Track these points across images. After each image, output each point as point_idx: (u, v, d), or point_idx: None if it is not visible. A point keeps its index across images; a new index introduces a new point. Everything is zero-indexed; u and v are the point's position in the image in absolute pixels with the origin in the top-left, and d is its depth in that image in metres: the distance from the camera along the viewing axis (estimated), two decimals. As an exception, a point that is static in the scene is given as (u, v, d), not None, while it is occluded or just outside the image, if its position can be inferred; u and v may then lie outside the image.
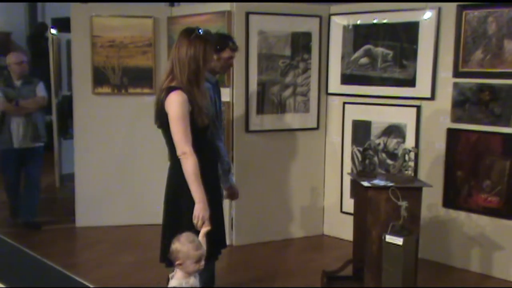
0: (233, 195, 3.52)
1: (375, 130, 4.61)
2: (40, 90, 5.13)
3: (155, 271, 3.51)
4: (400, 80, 4.44)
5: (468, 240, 4.19)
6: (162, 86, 2.83)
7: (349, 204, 4.63)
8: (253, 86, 4.63)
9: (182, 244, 2.42)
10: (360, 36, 4.64)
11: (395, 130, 4.51)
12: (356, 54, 4.68)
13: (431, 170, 4.31)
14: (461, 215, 4.21)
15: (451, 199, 4.24)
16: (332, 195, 4.96)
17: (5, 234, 3.05)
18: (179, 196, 2.82)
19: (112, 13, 5.06)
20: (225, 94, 4.20)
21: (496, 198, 4.01)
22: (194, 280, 2.47)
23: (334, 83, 4.84)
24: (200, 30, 2.82)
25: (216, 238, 2.89)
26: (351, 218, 3.96)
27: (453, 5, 4.12)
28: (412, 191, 3.34)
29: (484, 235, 4.11)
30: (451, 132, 4.20)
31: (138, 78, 5.09)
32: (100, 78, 5.07)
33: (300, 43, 4.75)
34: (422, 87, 4.31)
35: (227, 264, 4.26)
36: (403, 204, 3.11)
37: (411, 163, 3.62)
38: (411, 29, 4.34)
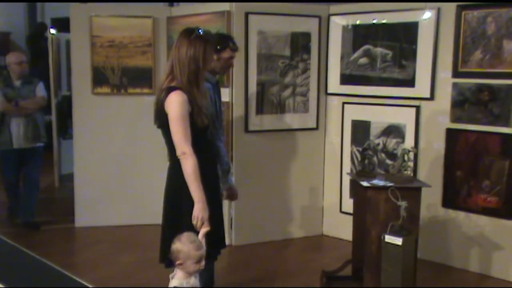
0: (232, 196, 3.52)
1: (375, 130, 4.62)
2: (40, 90, 5.12)
3: (155, 271, 3.51)
4: (399, 80, 4.44)
5: (467, 240, 4.20)
6: (162, 86, 2.83)
7: (348, 204, 4.64)
8: (253, 86, 4.63)
9: (183, 244, 2.43)
10: (359, 36, 4.64)
11: (394, 130, 4.51)
12: (356, 54, 4.68)
13: (430, 170, 4.32)
14: (460, 215, 4.21)
15: (450, 199, 4.24)
16: (332, 195, 4.96)
17: (4, 234, 3.05)
18: (179, 196, 2.82)
19: (111, 13, 5.06)
20: (225, 94, 4.20)
21: (495, 198, 4.02)
22: (194, 280, 2.47)
23: (334, 83, 4.85)
24: (200, 30, 2.82)
25: (215, 238, 2.89)
26: (350, 218, 3.97)
27: (453, 5, 4.13)
28: (411, 191, 3.34)
29: (483, 235, 4.12)
30: (450, 132, 4.20)
31: (137, 78, 5.09)
32: (99, 78, 5.06)
33: (300, 43, 4.75)
34: (421, 87, 4.32)
35: (226, 264, 4.26)
36: (402, 204, 3.11)
37: (410, 163, 3.62)
38: (411, 29, 4.34)
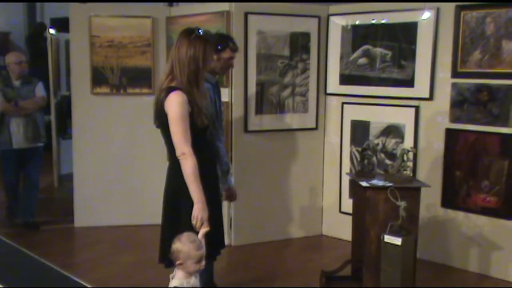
0: (231, 197, 3.52)
1: (374, 130, 4.62)
2: (40, 90, 5.12)
3: (155, 271, 3.51)
4: (399, 80, 4.45)
5: (466, 240, 4.20)
6: (161, 86, 2.83)
7: (347, 204, 4.64)
8: (252, 86, 4.63)
9: (183, 244, 2.43)
10: (358, 36, 4.65)
11: (393, 130, 4.51)
12: (355, 55, 4.68)
13: (429, 170, 4.32)
14: (460, 215, 4.22)
15: (450, 199, 4.24)
16: (331, 195, 4.96)
17: (4, 234, 3.05)
18: (178, 196, 2.82)
19: (111, 13, 5.06)
20: (224, 94, 4.19)
21: (494, 198, 4.02)
22: (194, 280, 2.48)
23: (333, 83, 4.85)
24: (200, 31, 2.83)
25: (215, 239, 2.90)
26: (349, 218, 3.97)
27: (452, 5, 4.13)
28: (411, 191, 3.34)
29: (482, 235, 4.12)
30: (449, 132, 4.21)
31: (137, 78, 5.09)
32: (98, 78, 5.06)
33: (299, 43, 4.75)
34: (421, 88, 4.32)
35: (226, 264, 4.27)
36: (402, 204, 3.11)
37: (410, 163, 3.62)
38: (410, 29, 4.34)
